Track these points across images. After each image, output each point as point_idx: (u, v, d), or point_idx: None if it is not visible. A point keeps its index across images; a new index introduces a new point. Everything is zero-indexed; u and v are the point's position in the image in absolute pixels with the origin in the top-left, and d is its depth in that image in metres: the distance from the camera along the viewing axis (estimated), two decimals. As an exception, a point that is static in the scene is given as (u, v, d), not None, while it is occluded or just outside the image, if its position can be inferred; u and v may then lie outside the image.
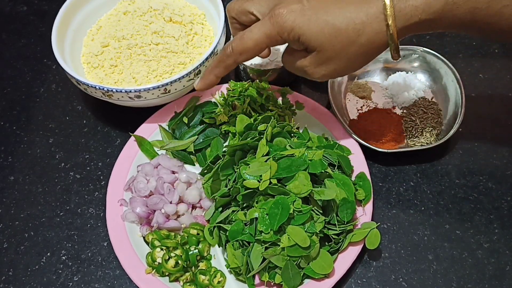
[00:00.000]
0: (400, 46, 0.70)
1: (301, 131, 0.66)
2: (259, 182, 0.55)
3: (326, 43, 0.51)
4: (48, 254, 0.63)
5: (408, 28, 0.50)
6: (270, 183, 0.55)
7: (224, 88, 0.70)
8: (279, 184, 0.55)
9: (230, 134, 0.67)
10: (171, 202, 0.61)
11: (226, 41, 0.70)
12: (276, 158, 0.57)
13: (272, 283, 0.56)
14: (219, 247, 0.60)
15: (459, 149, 0.68)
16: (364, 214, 0.59)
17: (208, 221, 0.61)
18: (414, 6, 0.49)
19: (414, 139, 0.67)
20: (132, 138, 0.67)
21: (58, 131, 0.73)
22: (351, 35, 0.51)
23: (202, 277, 0.57)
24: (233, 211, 0.57)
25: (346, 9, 0.51)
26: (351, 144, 0.64)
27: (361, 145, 0.64)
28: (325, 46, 0.52)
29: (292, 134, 0.65)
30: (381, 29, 0.50)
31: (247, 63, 0.70)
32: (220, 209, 0.60)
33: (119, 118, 0.72)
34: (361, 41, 0.51)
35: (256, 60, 0.71)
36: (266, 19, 0.53)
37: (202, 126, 0.68)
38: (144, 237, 0.61)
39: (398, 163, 0.67)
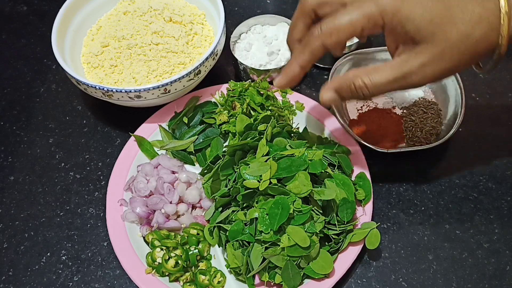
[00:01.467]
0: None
1: (301, 131, 0.66)
2: (259, 182, 0.55)
3: (439, 33, 0.44)
4: (48, 254, 0.63)
5: None
6: (270, 183, 0.55)
7: (224, 88, 0.70)
8: (279, 184, 0.55)
9: (230, 134, 0.67)
10: (171, 202, 0.61)
11: (226, 41, 0.70)
12: (276, 158, 0.57)
13: (272, 283, 0.56)
14: (219, 247, 0.60)
15: (459, 149, 0.68)
16: (364, 214, 0.59)
17: (208, 221, 0.61)
18: None
19: (414, 139, 0.67)
20: (132, 138, 0.67)
21: (58, 131, 0.73)
22: (467, 27, 0.44)
23: (202, 277, 0.58)
24: (233, 211, 0.57)
25: None
26: (351, 144, 0.64)
27: (361, 145, 0.64)
28: (438, 38, 0.44)
29: (292, 134, 0.65)
30: (496, 25, 0.44)
31: (247, 63, 0.70)
32: (220, 209, 0.60)
33: (119, 118, 0.72)
34: (476, 36, 0.44)
35: (256, 60, 0.71)
36: None
37: (202, 126, 0.68)
38: (144, 237, 0.61)
39: (398, 163, 0.67)
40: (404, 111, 0.70)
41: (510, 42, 0.46)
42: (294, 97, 0.69)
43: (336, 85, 0.49)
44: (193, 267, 0.59)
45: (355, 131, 0.67)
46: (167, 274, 0.58)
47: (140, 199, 0.62)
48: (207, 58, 0.65)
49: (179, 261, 0.57)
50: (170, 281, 0.58)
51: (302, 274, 0.55)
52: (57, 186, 0.68)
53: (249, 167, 0.56)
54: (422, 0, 0.44)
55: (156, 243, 0.59)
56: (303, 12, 0.50)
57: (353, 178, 0.62)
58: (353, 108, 0.71)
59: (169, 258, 0.57)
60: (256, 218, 0.55)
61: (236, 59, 0.70)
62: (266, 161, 0.57)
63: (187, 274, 0.58)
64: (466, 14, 0.44)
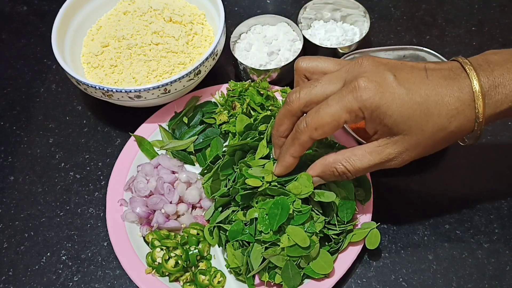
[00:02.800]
0: (400, 46, 0.71)
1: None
2: (261, 181, 0.55)
3: (415, 127, 0.47)
4: (48, 254, 0.63)
5: (496, 116, 0.48)
6: (270, 184, 0.55)
7: (224, 88, 0.70)
8: (279, 186, 0.55)
9: (230, 134, 0.67)
10: (171, 202, 0.61)
11: (226, 41, 0.70)
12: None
13: (272, 283, 0.56)
14: (219, 247, 0.60)
15: (459, 149, 0.68)
16: (364, 214, 0.59)
17: (208, 221, 0.61)
18: (504, 94, 0.46)
19: (414, 139, 0.67)
20: (132, 138, 0.67)
21: (58, 131, 0.73)
22: (443, 121, 0.47)
23: (202, 277, 0.58)
24: (233, 211, 0.57)
25: (439, 91, 0.46)
26: (351, 144, 0.64)
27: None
28: (415, 131, 0.47)
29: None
30: (471, 117, 0.47)
31: (247, 63, 0.70)
32: (220, 209, 0.60)
33: (119, 118, 0.72)
34: (452, 128, 0.47)
35: (256, 60, 0.71)
36: (346, 91, 0.47)
37: (202, 126, 0.68)
38: (144, 237, 0.61)
39: (398, 163, 0.67)
40: (404, 111, 0.70)
41: (487, 124, 0.48)
42: (294, 97, 0.69)
43: (319, 172, 0.53)
44: (193, 267, 0.59)
45: (355, 131, 0.67)
46: (167, 274, 0.58)
47: (140, 199, 0.62)
48: (207, 58, 0.65)
49: (179, 261, 0.57)
50: (170, 281, 0.58)
51: (302, 274, 0.55)
52: (57, 186, 0.68)
53: (251, 169, 0.56)
54: (400, 94, 0.46)
55: (156, 243, 0.59)
56: (290, 112, 0.51)
57: (353, 178, 0.62)
58: (353, 108, 0.71)
59: (169, 258, 0.57)
60: (256, 218, 0.55)
61: (236, 59, 0.70)
62: (263, 165, 0.56)
63: (187, 274, 0.58)
64: (443, 108, 0.46)
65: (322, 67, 0.52)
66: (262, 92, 0.67)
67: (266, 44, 0.72)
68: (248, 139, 0.60)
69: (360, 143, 0.64)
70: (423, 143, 0.48)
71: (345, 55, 0.70)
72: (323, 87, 0.50)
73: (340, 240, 0.57)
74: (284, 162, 0.53)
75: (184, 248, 0.59)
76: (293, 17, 0.77)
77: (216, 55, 0.67)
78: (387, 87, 0.46)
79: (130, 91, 0.62)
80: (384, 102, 0.46)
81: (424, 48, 0.71)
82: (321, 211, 0.56)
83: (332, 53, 0.72)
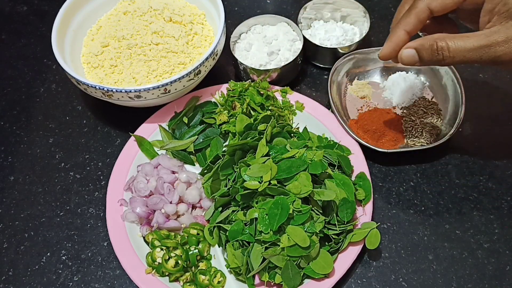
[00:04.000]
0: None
1: (301, 131, 0.66)
2: (260, 183, 0.55)
3: None
4: (48, 254, 0.63)
5: None
6: (270, 183, 0.55)
7: (224, 88, 0.70)
8: (278, 185, 0.55)
9: (230, 134, 0.67)
10: (171, 202, 0.61)
11: (226, 41, 0.70)
12: (276, 160, 0.57)
13: (272, 283, 0.56)
14: (219, 247, 0.60)
15: (459, 149, 0.68)
16: (364, 214, 0.59)
17: (208, 221, 0.61)
18: None
19: (414, 139, 0.67)
20: (132, 138, 0.67)
21: (58, 131, 0.73)
22: None
23: (202, 277, 0.58)
24: (233, 211, 0.57)
25: None
26: (351, 144, 0.64)
27: (361, 145, 0.64)
28: None
29: (292, 134, 0.65)
30: None
31: (247, 63, 0.70)
32: (220, 209, 0.60)
33: (119, 118, 0.72)
34: None
35: (256, 60, 0.71)
36: None
37: (202, 126, 0.68)
38: (144, 237, 0.61)
39: (398, 163, 0.67)
40: (404, 111, 0.70)
41: None
42: (294, 97, 0.69)
43: (417, 44, 0.49)
44: (193, 267, 0.59)
45: (355, 131, 0.67)
46: (167, 274, 0.58)
47: (140, 199, 0.62)
48: (207, 58, 0.65)
49: (179, 261, 0.57)
50: (170, 281, 0.58)
51: (302, 274, 0.55)
52: (57, 186, 0.68)
53: (249, 168, 0.56)
54: None
55: (156, 243, 0.59)
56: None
57: (353, 178, 0.62)
58: (353, 108, 0.71)
59: (169, 258, 0.57)
60: (256, 218, 0.55)
61: (236, 59, 0.70)
62: (265, 162, 0.57)
63: (187, 274, 0.58)
64: None
65: None
66: (262, 92, 0.67)
67: (266, 44, 0.72)
68: (248, 139, 0.60)
69: (361, 145, 0.64)
70: None
71: (345, 55, 0.71)
72: None
73: (340, 240, 0.57)
74: (395, 37, 0.50)
75: (184, 248, 0.59)
76: (293, 17, 0.77)
77: (216, 55, 0.67)
78: None
79: (130, 91, 0.62)
80: None
81: (424, 48, 0.71)
82: (321, 211, 0.56)
83: (332, 53, 0.72)
